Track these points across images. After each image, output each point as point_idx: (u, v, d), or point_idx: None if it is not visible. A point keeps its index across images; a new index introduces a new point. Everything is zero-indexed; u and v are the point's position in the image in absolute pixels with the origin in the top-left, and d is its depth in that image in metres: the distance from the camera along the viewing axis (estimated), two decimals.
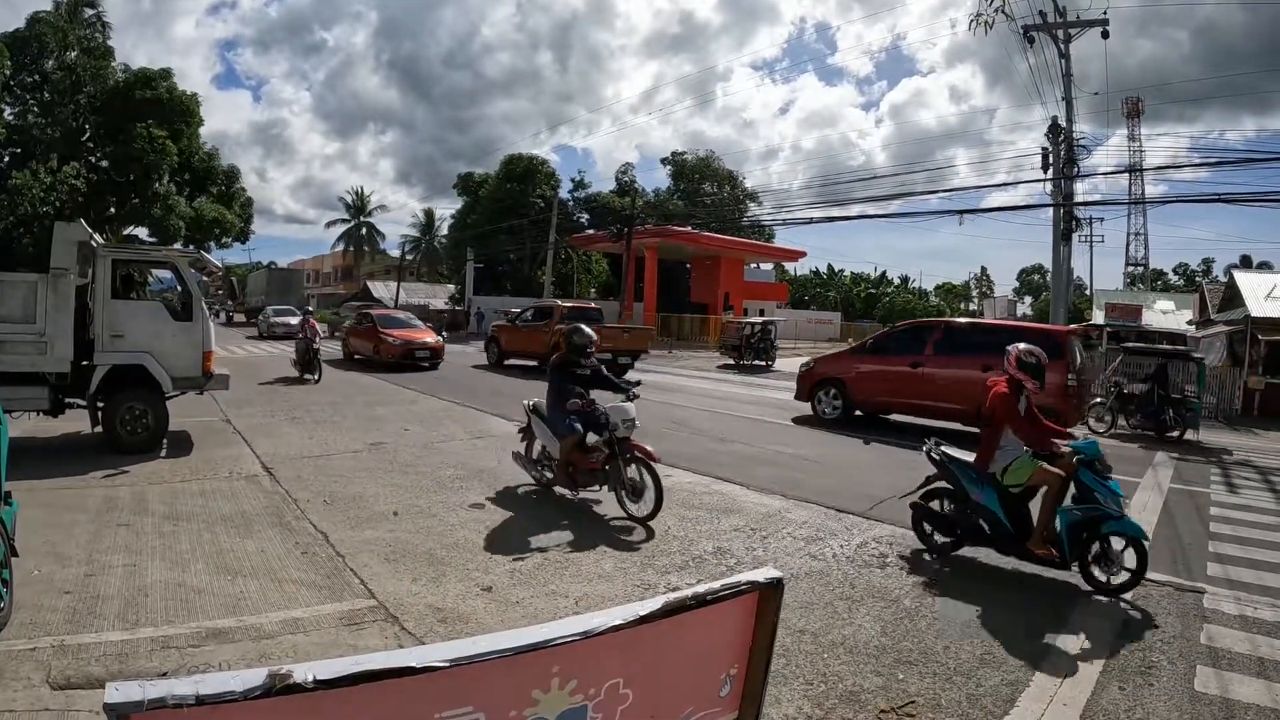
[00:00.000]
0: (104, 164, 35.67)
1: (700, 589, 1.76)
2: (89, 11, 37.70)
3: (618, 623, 1.58)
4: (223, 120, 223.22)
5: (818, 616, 5.42)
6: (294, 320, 30.29)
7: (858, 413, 15.07)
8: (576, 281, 57.14)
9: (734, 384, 23.68)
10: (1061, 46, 24.98)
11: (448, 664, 1.33)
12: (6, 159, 34.18)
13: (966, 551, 6.88)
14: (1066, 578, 6.32)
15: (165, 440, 10.42)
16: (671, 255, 51.21)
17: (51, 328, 9.55)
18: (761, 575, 1.88)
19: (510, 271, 58.94)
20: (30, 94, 34.79)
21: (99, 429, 10.11)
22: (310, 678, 1.20)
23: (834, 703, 4.23)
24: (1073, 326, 19.60)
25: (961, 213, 29.88)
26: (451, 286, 67.18)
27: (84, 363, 9.90)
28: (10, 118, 34.01)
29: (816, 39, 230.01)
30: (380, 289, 67.66)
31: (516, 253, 56.00)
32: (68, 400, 10.15)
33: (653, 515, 7.40)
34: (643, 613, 1.62)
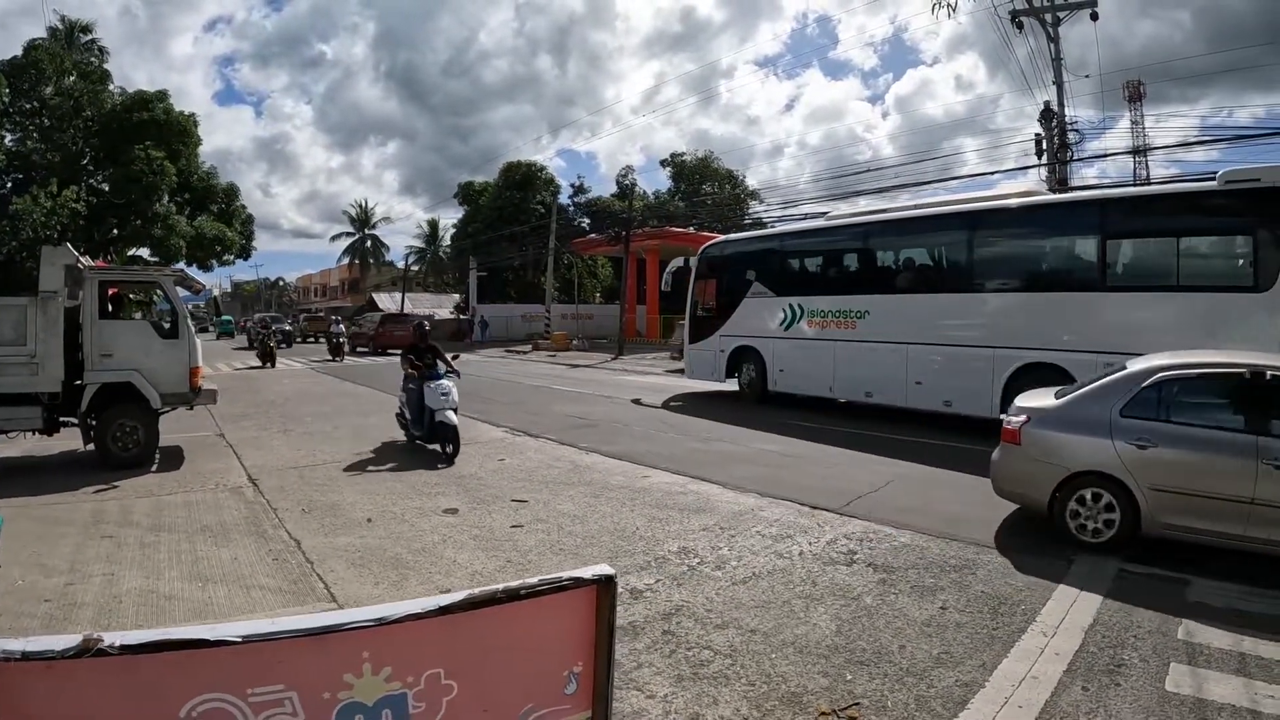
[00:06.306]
0: (104, 186, 35.90)
1: (513, 584, 1.83)
2: (85, 37, 38.15)
3: (415, 612, 1.67)
4: (226, 137, 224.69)
5: (772, 616, 5.35)
6: None
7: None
8: (579, 286, 57.13)
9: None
10: (1050, 31, 24.89)
11: (240, 639, 1.48)
12: (9, 185, 34.43)
13: (940, 542, 7.04)
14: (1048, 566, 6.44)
15: (157, 455, 10.66)
16: (673, 257, 51.12)
17: (42, 349, 9.80)
18: (589, 572, 1.94)
19: (514, 279, 59.08)
20: (29, 120, 35.06)
21: (91, 446, 10.36)
22: (116, 643, 1.38)
23: (774, 704, 4.16)
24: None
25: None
26: (456, 296, 67.31)
27: (75, 382, 10.14)
28: (10, 144, 34.29)
29: (818, 32, 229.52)
30: (386, 300, 67.79)
31: (519, 259, 56.09)
32: (61, 419, 10.39)
33: None
34: (443, 603, 1.71)
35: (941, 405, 13.59)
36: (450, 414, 10.88)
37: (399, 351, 38.94)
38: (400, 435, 12.38)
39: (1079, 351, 11.59)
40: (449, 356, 12.09)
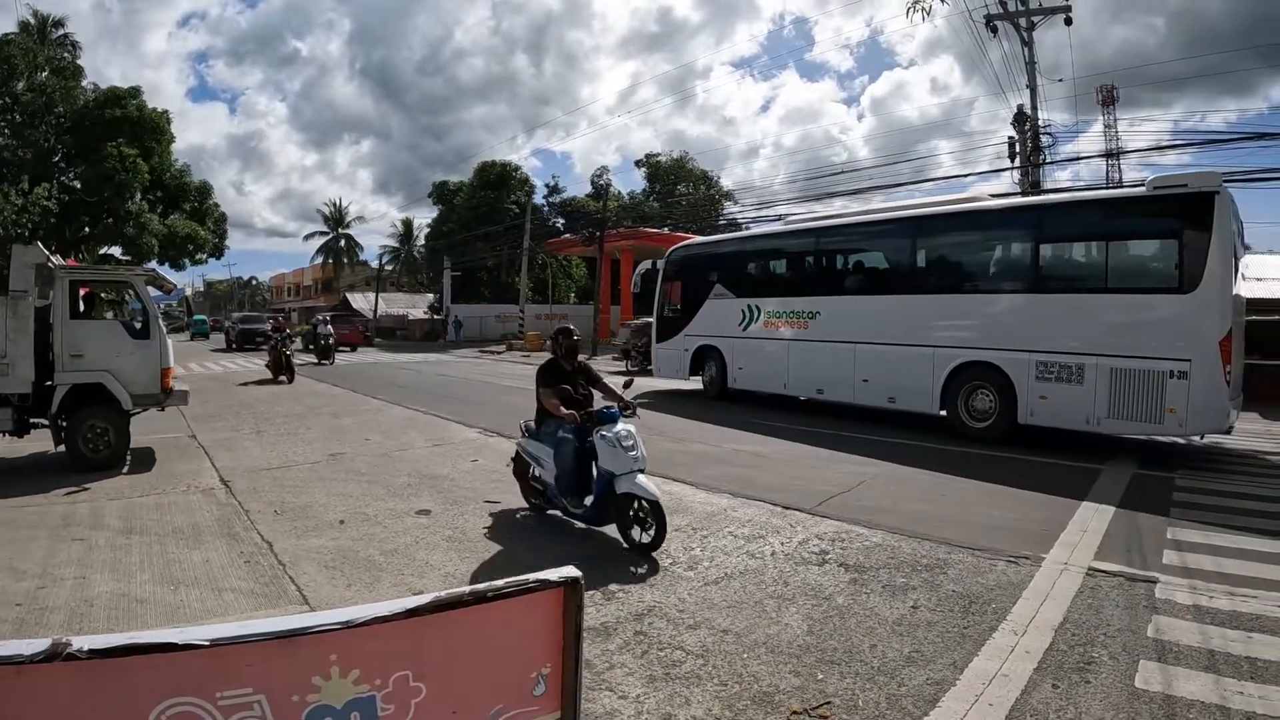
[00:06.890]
0: (76, 184, 35.70)
1: (480, 586, 1.85)
2: (57, 32, 37.81)
3: (382, 615, 1.68)
4: (200, 134, 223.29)
5: (744, 616, 5.36)
6: None
7: None
8: (553, 286, 57.14)
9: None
10: (1024, 35, 25.06)
11: (208, 643, 1.49)
12: None
13: (911, 542, 7.06)
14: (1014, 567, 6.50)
15: (128, 457, 10.56)
16: (647, 257, 51.19)
17: (12, 349, 9.69)
18: (555, 574, 1.96)
19: (488, 279, 59.02)
20: (1, 116, 34.79)
21: (62, 448, 10.26)
22: (85, 647, 1.40)
23: (745, 704, 4.16)
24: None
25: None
26: (431, 296, 67.12)
27: (46, 383, 10.02)
28: None
29: (794, 34, 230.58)
30: (360, 300, 67.46)
31: (494, 260, 56.08)
32: (32, 420, 10.29)
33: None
34: (411, 606, 1.72)
35: (886, 401, 14.48)
36: (642, 479, 6.73)
37: (348, 348, 36.71)
38: (375, 435, 12.31)
39: (1014, 350, 12.42)
40: (619, 384, 8.11)
